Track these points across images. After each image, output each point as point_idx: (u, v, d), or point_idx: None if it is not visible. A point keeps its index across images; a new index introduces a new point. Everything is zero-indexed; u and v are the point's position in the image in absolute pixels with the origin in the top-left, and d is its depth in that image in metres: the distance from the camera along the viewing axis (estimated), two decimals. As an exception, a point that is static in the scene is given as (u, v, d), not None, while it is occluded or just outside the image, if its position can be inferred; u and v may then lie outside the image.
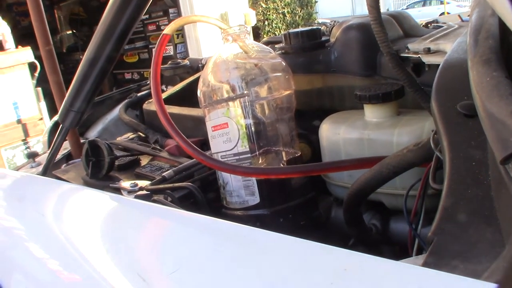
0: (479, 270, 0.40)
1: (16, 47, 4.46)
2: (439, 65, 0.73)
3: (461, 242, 0.46)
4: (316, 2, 12.29)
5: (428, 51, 1.03)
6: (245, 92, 0.99)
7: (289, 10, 11.37)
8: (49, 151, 1.26)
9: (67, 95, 1.20)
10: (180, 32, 6.00)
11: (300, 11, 11.53)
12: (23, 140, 4.40)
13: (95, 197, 0.84)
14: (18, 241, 0.77)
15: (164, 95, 1.61)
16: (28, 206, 0.87)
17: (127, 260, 0.58)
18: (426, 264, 0.44)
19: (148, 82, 2.04)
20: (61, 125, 1.25)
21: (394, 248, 1.02)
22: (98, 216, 0.76)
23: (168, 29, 1.09)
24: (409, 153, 0.76)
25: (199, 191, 1.01)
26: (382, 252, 1.02)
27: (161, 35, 1.08)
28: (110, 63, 1.14)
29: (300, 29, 1.34)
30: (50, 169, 1.29)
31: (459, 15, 1.99)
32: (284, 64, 1.07)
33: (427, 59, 1.02)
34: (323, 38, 1.29)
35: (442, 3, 19.60)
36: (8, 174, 1.24)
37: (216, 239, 0.58)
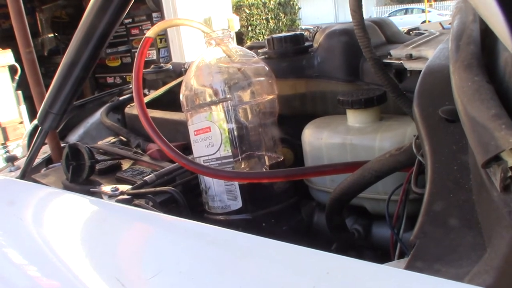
0: (460, 274, 0.40)
1: (-4, 49, 4.40)
2: (420, 71, 0.74)
3: (443, 245, 0.46)
4: (299, 8, 12.36)
5: (410, 57, 1.04)
6: (228, 96, 0.99)
7: (272, 16, 11.41)
8: (27, 154, 1.23)
9: (46, 96, 1.18)
10: (163, 36, 5.98)
11: (284, 18, 11.58)
12: (2, 144, 4.34)
13: (75, 201, 0.83)
14: (-4, 246, 0.75)
15: (146, 99, 1.60)
16: (6, 210, 0.85)
17: (106, 265, 0.57)
18: (408, 268, 0.44)
19: (130, 86, 2.03)
20: (40, 127, 1.23)
21: (376, 253, 1.02)
22: (77, 221, 0.75)
23: (151, 32, 1.09)
24: (391, 157, 0.76)
25: (181, 196, 1.00)
26: (364, 256, 1.02)
27: (143, 37, 1.08)
28: (90, 65, 1.12)
29: (284, 34, 1.35)
30: (29, 173, 1.26)
31: (440, 23, 2.02)
32: (268, 68, 1.07)
33: (409, 65, 1.02)
34: (306, 44, 1.29)
35: (423, 11, 19.89)
36: (-14, 178, 1.21)
37: (198, 243, 0.57)
